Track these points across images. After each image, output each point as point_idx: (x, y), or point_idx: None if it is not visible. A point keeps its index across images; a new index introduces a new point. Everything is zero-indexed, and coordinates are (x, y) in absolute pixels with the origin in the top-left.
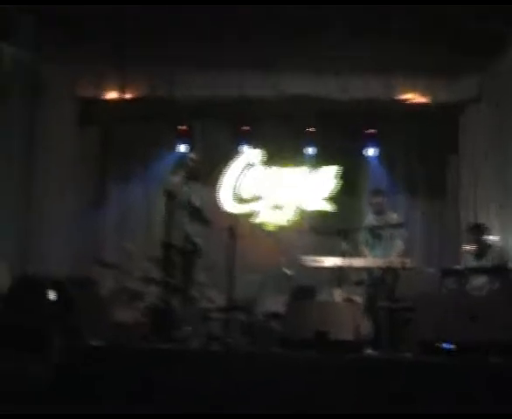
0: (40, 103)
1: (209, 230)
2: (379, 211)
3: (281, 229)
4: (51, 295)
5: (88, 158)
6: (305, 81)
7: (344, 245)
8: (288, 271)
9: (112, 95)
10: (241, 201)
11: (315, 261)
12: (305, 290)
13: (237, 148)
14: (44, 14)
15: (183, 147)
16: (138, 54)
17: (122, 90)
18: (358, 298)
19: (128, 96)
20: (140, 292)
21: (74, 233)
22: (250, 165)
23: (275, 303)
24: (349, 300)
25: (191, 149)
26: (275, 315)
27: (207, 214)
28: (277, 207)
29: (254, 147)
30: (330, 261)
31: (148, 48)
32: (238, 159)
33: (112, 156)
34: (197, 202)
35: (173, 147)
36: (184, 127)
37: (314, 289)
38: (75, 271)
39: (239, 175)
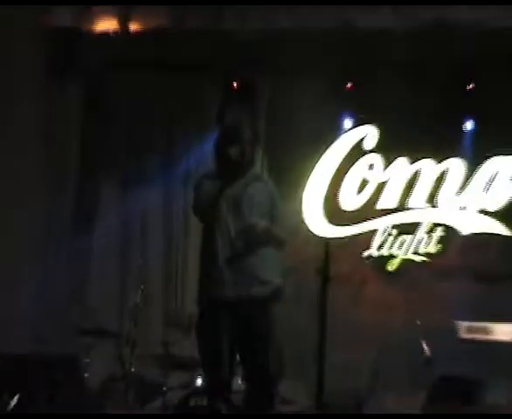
0: None
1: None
2: None
3: (416, 269)
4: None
5: (68, 146)
6: None
7: None
8: (427, 348)
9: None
10: (340, 216)
11: (480, 330)
12: (458, 384)
13: (334, 122)
14: None
15: (233, 119)
16: None
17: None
18: None
19: (134, 30)
20: (157, 382)
21: (47, 281)
22: (358, 153)
23: (400, 405)
24: None
25: (252, 122)
26: None
27: (281, 234)
28: (407, 229)
29: (366, 121)
30: (510, 331)
31: None
32: (337, 142)
33: (109, 142)
34: (262, 214)
35: (218, 120)
36: (236, 84)
37: (476, 383)
38: (47, 345)
39: (337, 170)
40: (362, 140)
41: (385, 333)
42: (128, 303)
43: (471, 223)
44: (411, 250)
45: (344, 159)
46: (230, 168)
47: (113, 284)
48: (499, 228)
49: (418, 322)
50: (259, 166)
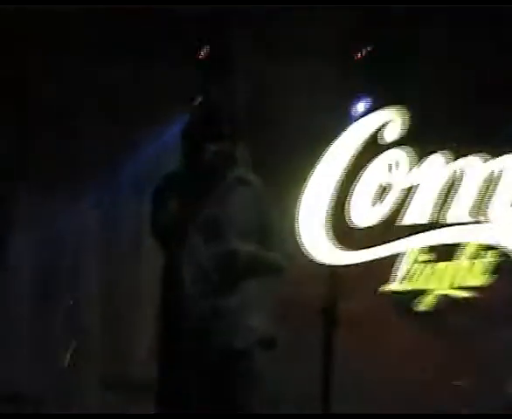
0: None
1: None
2: None
3: (456, 309)
4: None
5: None
6: None
7: None
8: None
9: None
10: (351, 236)
11: None
12: None
13: (342, 105)
14: None
15: (205, 103)
16: None
17: None
18: None
19: None
20: None
21: None
22: (375, 148)
23: None
24: None
25: (231, 108)
26: None
27: (275, 259)
28: (444, 254)
29: (386, 104)
30: None
31: None
32: (347, 132)
33: (29, 137)
34: (248, 232)
35: (184, 103)
36: (206, 51)
37: None
38: None
39: (347, 172)
40: (380, 129)
41: (413, 395)
42: (53, 359)
43: None
44: (450, 282)
45: (356, 156)
46: (202, 172)
47: (33, 333)
48: None
49: (459, 382)
50: (243, 166)
